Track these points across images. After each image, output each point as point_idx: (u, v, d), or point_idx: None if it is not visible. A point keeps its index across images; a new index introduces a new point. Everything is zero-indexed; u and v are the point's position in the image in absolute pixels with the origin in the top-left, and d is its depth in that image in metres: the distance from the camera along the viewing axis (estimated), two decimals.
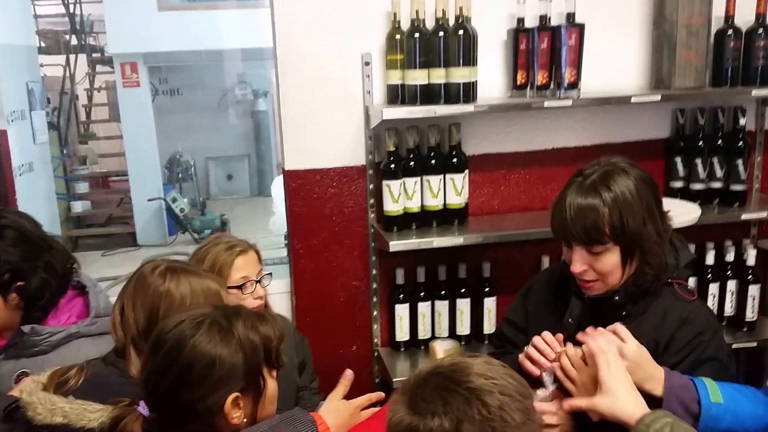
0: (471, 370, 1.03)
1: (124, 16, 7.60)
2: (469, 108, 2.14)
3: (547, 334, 1.50)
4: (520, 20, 2.27)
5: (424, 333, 2.45)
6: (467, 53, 2.13)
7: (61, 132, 8.76)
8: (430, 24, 2.18)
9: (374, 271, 2.44)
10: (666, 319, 1.50)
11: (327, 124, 2.32)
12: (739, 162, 2.47)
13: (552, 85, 2.24)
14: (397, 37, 2.17)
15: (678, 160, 2.52)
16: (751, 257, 2.48)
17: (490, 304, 2.45)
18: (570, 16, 2.19)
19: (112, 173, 9.56)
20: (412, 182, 2.28)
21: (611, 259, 1.47)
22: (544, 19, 2.23)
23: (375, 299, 2.47)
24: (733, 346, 2.43)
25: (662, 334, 1.49)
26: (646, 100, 2.28)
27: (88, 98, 9.83)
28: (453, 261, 2.42)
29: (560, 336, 1.49)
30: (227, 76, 10.22)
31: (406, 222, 2.31)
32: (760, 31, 2.35)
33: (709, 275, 2.50)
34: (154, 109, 8.70)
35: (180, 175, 9.76)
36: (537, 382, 1.44)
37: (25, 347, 1.61)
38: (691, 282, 2.48)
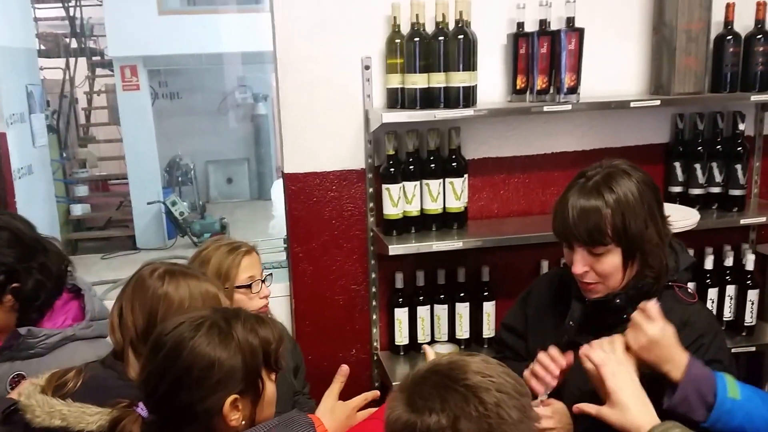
0: (468, 368, 1.04)
1: (124, 20, 7.62)
2: (468, 112, 2.14)
3: (552, 349, 1.49)
4: (520, 25, 2.27)
5: (423, 337, 2.44)
6: (467, 57, 2.14)
7: (60, 135, 8.77)
8: (430, 28, 2.19)
9: (373, 275, 2.45)
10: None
11: (327, 127, 2.32)
12: (738, 167, 2.47)
13: (551, 90, 2.25)
14: (397, 41, 2.18)
15: (677, 164, 2.53)
16: (749, 262, 2.48)
17: (489, 308, 2.45)
18: (570, 21, 2.19)
19: (111, 176, 9.56)
20: (411, 186, 2.28)
21: (612, 261, 1.47)
22: (543, 23, 2.23)
23: (374, 303, 2.47)
24: (732, 350, 2.42)
25: None
26: (646, 105, 2.28)
27: (87, 101, 9.84)
28: (452, 265, 2.43)
29: (570, 356, 1.48)
30: (227, 80, 10.24)
31: (406, 226, 2.31)
32: (760, 36, 2.36)
33: (708, 280, 2.50)
34: (153, 112, 8.72)
35: (180, 179, 9.77)
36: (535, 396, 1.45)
37: (20, 349, 1.61)
38: (691, 286, 2.49)
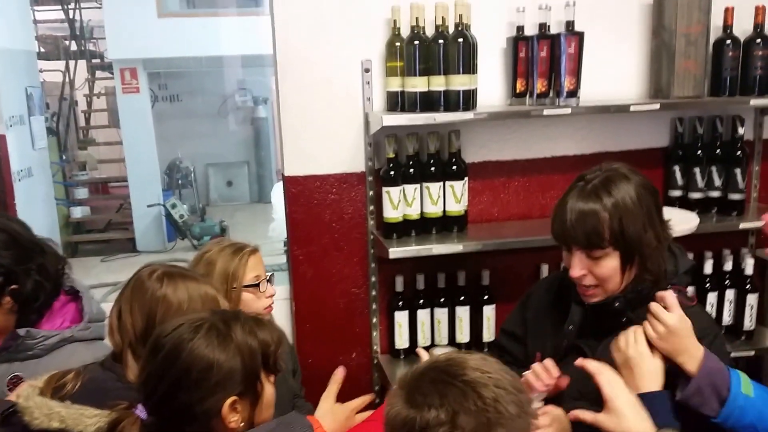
0: (467, 364, 1.05)
1: (124, 22, 7.63)
2: (468, 115, 2.14)
3: (548, 361, 1.50)
4: (520, 28, 2.28)
5: (423, 341, 2.44)
6: (467, 61, 2.14)
7: (60, 137, 8.77)
8: (429, 31, 2.19)
9: (373, 278, 2.44)
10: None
11: (327, 130, 2.32)
12: (738, 171, 2.47)
13: (551, 94, 2.25)
14: (397, 44, 2.18)
15: (676, 168, 2.53)
16: (749, 266, 2.48)
17: (489, 312, 2.44)
18: (569, 25, 2.20)
19: (111, 179, 9.57)
20: (411, 189, 2.28)
21: (610, 265, 1.47)
22: (543, 27, 2.23)
23: (374, 306, 2.47)
24: (732, 354, 2.41)
25: None
26: (645, 109, 2.29)
27: (87, 104, 9.85)
28: (452, 268, 2.42)
29: (565, 380, 1.49)
30: (227, 83, 10.26)
31: (406, 229, 2.31)
32: (758, 40, 2.36)
33: (708, 284, 2.50)
34: (153, 115, 8.73)
35: (180, 182, 9.78)
36: None
37: (18, 350, 1.61)
38: (690, 290, 2.49)
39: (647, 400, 1.33)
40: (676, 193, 2.54)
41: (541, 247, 2.22)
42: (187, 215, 8.60)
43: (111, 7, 7.70)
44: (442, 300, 2.43)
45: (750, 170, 2.58)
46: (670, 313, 1.38)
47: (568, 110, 2.19)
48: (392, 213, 2.28)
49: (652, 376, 1.37)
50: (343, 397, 1.88)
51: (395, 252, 2.21)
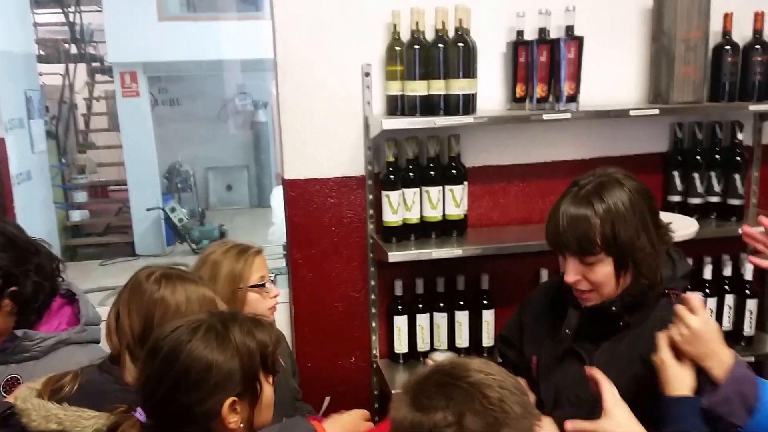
0: (470, 366, 1.06)
1: (124, 26, 7.63)
2: (468, 119, 2.14)
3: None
4: (520, 33, 2.28)
5: (422, 345, 2.44)
6: (467, 65, 2.14)
7: (59, 141, 8.77)
8: (429, 36, 2.19)
9: (373, 282, 2.44)
10: (663, 329, 1.49)
11: (327, 133, 2.32)
12: (737, 176, 2.47)
13: (551, 98, 2.25)
14: (397, 48, 2.18)
15: (676, 174, 2.53)
16: (748, 272, 2.48)
17: (488, 316, 2.44)
18: (569, 29, 2.20)
19: (111, 182, 9.57)
20: (411, 193, 2.28)
21: (604, 270, 1.47)
22: (543, 32, 2.24)
23: (373, 310, 2.46)
24: None
25: None
26: (645, 114, 2.29)
27: (87, 107, 9.85)
28: (452, 273, 2.42)
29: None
30: (227, 87, 10.26)
31: (405, 233, 2.31)
32: (758, 46, 2.37)
33: (707, 289, 2.50)
34: (153, 118, 8.72)
35: (179, 185, 9.78)
36: None
37: (15, 352, 1.61)
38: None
39: (671, 404, 1.32)
40: (676, 198, 2.54)
41: (540, 251, 2.20)
42: (186, 219, 8.60)
43: (111, 11, 7.70)
44: (442, 304, 2.43)
45: (749, 176, 2.58)
46: (694, 315, 1.35)
47: (568, 115, 2.20)
48: (392, 217, 2.28)
49: (678, 382, 1.33)
50: (342, 401, 1.88)
51: (394, 256, 2.20)
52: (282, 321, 2.40)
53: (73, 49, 9.06)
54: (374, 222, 2.39)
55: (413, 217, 2.30)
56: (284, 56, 2.27)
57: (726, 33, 2.38)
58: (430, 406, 1.01)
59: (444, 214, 2.33)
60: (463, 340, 2.45)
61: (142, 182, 8.37)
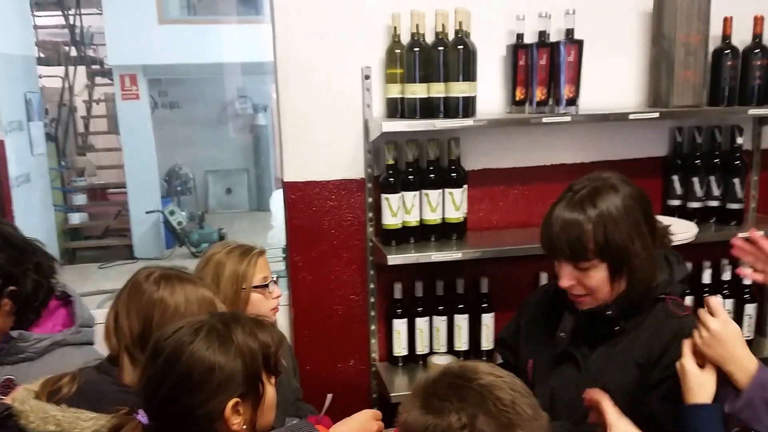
0: (480, 369, 1.06)
1: (124, 29, 7.63)
2: (468, 122, 2.14)
3: None
4: (520, 36, 2.28)
5: (422, 348, 2.43)
6: (467, 68, 2.14)
7: (59, 143, 8.77)
8: (430, 38, 2.19)
9: (372, 285, 2.44)
10: (659, 334, 1.49)
11: (327, 136, 2.32)
12: (736, 181, 2.47)
13: (551, 102, 2.25)
14: (397, 51, 2.18)
15: (675, 178, 2.53)
16: (746, 269, 2.47)
17: (488, 320, 2.44)
18: (569, 33, 2.20)
19: (110, 185, 9.57)
20: (410, 196, 2.28)
21: (598, 276, 1.47)
22: (543, 35, 2.24)
23: (373, 313, 2.46)
24: None
25: (654, 349, 1.48)
26: (644, 117, 2.29)
27: (86, 110, 9.86)
28: (451, 276, 2.42)
29: None
30: (227, 90, 10.27)
31: (405, 236, 2.31)
32: (757, 50, 2.37)
33: (706, 294, 2.50)
34: (153, 121, 8.73)
35: (179, 188, 9.78)
36: None
37: (10, 353, 1.61)
38: (688, 300, 2.48)
39: (690, 412, 1.31)
40: (675, 202, 2.54)
41: (540, 255, 2.18)
42: (185, 222, 8.60)
43: (112, 13, 7.71)
44: (441, 307, 2.42)
45: (748, 180, 2.58)
46: (713, 318, 1.33)
47: (568, 118, 2.20)
48: (391, 220, 2.27)
49: (698, 389, 1.32)
50: (342, 405, 1.88)
51: (394, 259, 2.20)
52: (281, 324, 2.39)
53: (73, 52, 9.06)
54: (374, 225, 2.39)
55: (413, 220, 2.30)
56: (284, 59, 2.27)
57: (726, 37, 2.38)
58: (442, 408, 1.01)
59: (443, 217, 2.33)
60: (462, 343, 2.44)
61: (141, 185, 8.37)
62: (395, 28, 2.19)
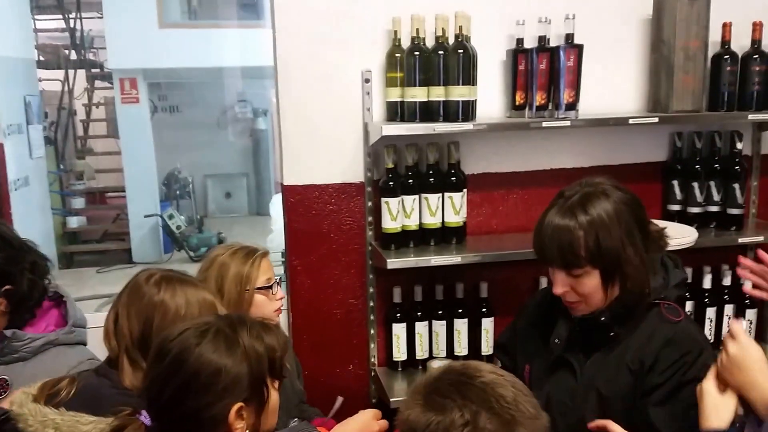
0: (482, 367, 1.07)
1: (124, 32, 7.64)
2: (467, 126, 2.15)
3: None
4: (519, 41, 2.28)
5: (421, 353, 2.43)
6: (467, 72, 2.14)
7: (58, 147, 8.77)
8: (430, 42, 2.20)
9: (371, 289, 2.43)
10: (652, 340, 1.48)
11: (326, 139, 2.32)
12: (736, 186, 2.47)
13: (550, 106, 2.26)
14: (397, 55, 2.19)
15: (675, 183, 2.53)
16: (748, 282, 2.47)
17: (487, 324, 2.43)
18: (569, 38, 2.20)
19: (109, 189, 9.56)
20: (410, 200, 2.28)
21: (591, 282, 1.46)
22: (543, 40, 2.24)
23: (372, 318, 2.46)
24: None
25: (648, 355, 1.47)
26: (644, 122, 2.29)
27: (86, 113, 9.86)
28: (450, 280, 2.42)
29: None
30: (227, 94, 10.27)
31: (404, 240, 2.31)
32: (756, 56, 2.37)
33: (706, 299, 2.50)
34: (152, 125, 8.73)
35: (178, 192, 9.76)
36: None
37: (4, 353, 1.61)
38: (688, 306, 2.48)
39: None
40: (675, 207, 2.54)
41: None
42: (184, 226, 8.58)
43: (112, 17, 7.72)
44: (440, 312, 2.42)
45: (748, 185, 2.58)
46: (733, 342, 1.29)
47: (567, 123, 2.20)
48: (391, 224, 2.27)
49: (715, 412, 1.28)
50: (341, 409, 1.87)
51: (393, 263, 2.20)
52: (280, 327, 2.38)
53: (73, 55, 9.07)
54: (373, 229, 2.39)
55: (412, 224, 2.30)
56: (284, 63, 2.27)
57: (725, 43, 2.39)
58: (445, 405, 1.01)
59: (443, 222, 2.32)
60: (461, 347, 2.44)
61: (140, 189, 8.36)
62: (395, 32, 2.19)
